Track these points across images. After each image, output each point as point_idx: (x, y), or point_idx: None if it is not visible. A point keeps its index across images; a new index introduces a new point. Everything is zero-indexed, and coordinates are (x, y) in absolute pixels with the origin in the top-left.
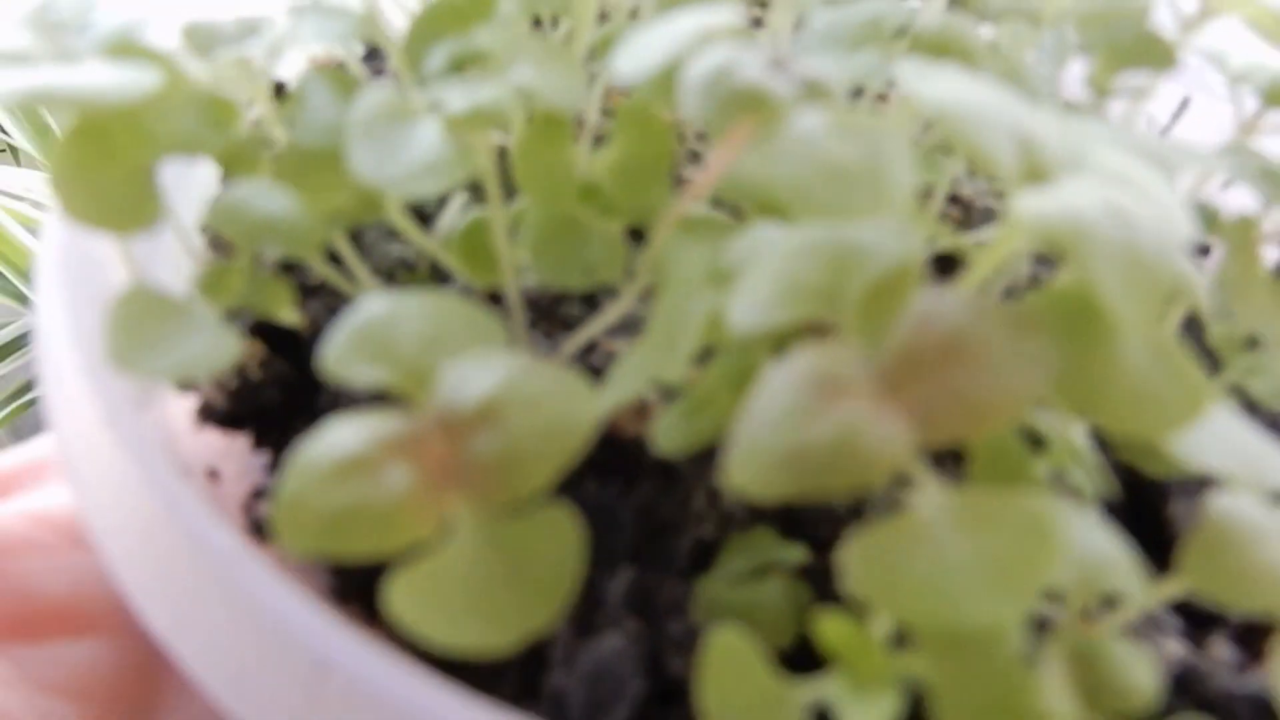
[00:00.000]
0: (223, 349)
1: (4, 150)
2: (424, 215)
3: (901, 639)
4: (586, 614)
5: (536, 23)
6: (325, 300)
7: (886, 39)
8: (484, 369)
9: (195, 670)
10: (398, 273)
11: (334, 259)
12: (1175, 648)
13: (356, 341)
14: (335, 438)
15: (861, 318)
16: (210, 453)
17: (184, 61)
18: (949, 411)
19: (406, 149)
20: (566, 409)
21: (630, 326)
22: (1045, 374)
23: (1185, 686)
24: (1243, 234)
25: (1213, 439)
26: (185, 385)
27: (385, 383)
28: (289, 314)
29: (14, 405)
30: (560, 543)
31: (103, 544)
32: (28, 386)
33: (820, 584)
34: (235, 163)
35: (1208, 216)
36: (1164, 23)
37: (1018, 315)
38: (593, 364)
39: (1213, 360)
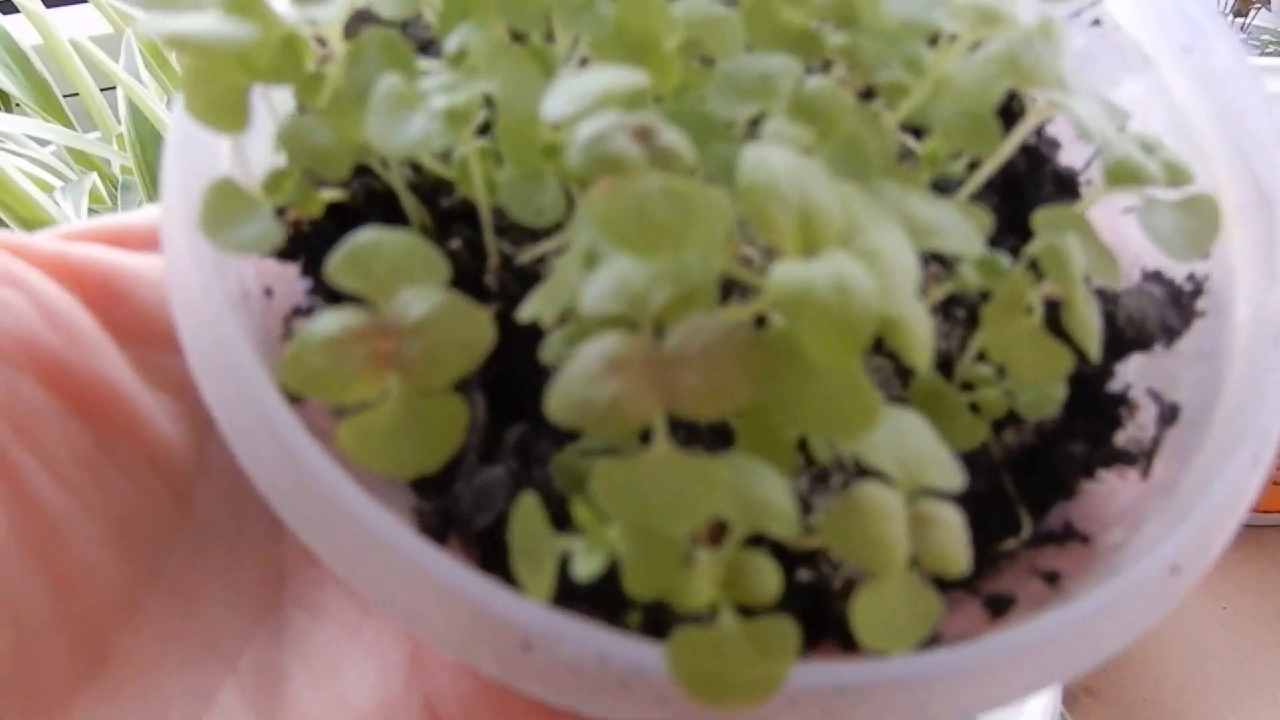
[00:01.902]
0: (270, 236)
1: None
2: None
3: None
4: (490, 449)
5: None
6: (364, 181)
7: (774, 95)
8: (422, 298)
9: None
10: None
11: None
12: None
13: (347, 259)
14: (323, 323)
15: (655, 321)
16: (269, 276)
17: (281, 7)
18: (690, 395)
19: (403, 128)
20: (470, 335)
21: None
22: (753, 385)
23: None
24: (1014, 284)
25: (888, 444)
26: None
27: (361, 291)
28: (318, 209)
29: None
30: (452, 418)
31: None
32: None
33: None
34: (306, 93)
35: (992, 270)
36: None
37: (753, 340)
38: (541, 271)
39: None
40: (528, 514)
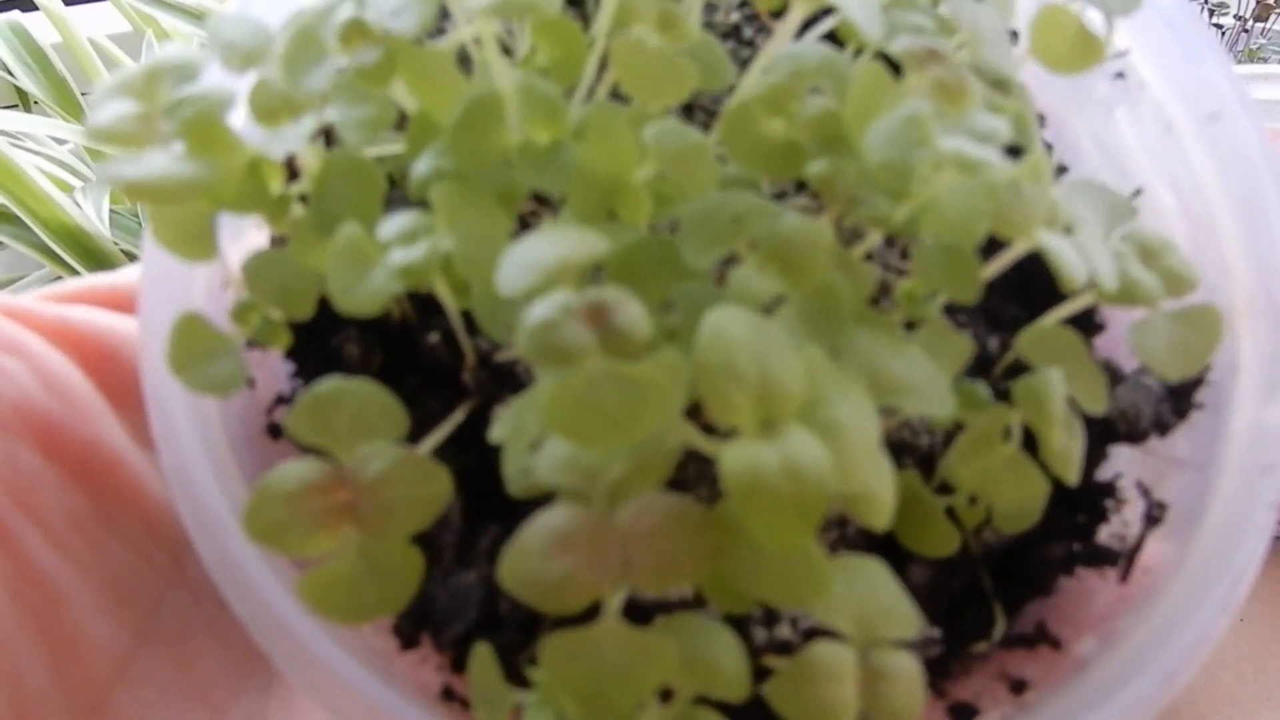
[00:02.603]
0: (238, 377)
1: (15, 105)
2: None
3: None
4: (465, 552)
5: None
6: None
7: (743, 238)
8: (379, 454)
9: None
10: None
11: None
12: None
13: (307, 413)
14: (283, 473)
15: (607, 497)
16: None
17: (246, 128)
18: (642, 570)
19: (361, 285)
20: (426, 492)
21: None
22: (706, 561)
23: None
24: (992, 418)
25: (845, 599)
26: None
27: (320, 446)
28: (284, 343)
29: None
30: (409, 568)
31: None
32: None
33: None
34: (272, 218)
35: (968, 401)
36: None
37: (704, 518)
38: (517, 371)
39: None
40: (483, 665)
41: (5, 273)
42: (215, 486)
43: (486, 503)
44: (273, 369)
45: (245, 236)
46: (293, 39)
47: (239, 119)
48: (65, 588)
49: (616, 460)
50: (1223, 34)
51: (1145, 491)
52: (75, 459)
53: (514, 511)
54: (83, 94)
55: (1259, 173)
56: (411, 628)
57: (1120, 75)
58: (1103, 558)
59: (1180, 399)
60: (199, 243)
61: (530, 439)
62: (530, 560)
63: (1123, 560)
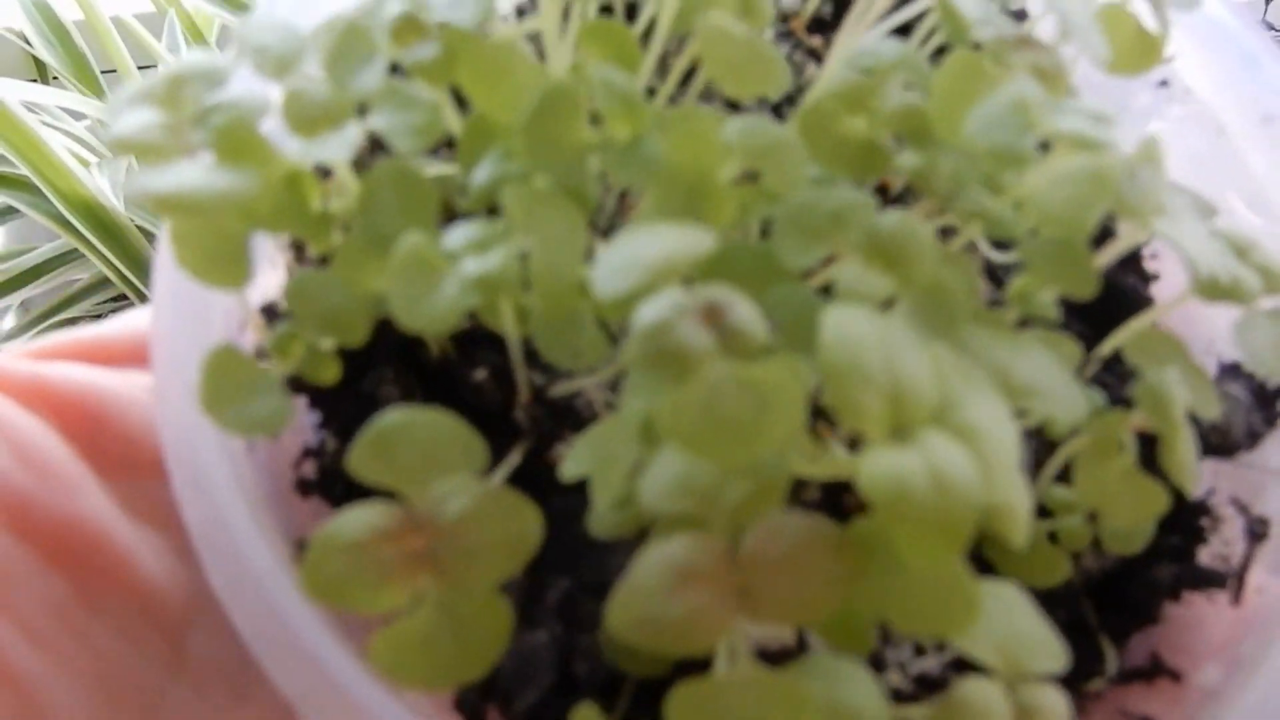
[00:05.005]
0: (283, 413)
1: (34, 80)
2: None
3: None
4: (530, 608)
5: None
6: None
7: (847, 235)
8: (459, 493)
9: None
10: None
11: None
12: None
13: (371, 448)
14: (348, 520)
15: (728, 522)
16: None
17: (281, 139)
18: (774, 606)
19: (430, 299)
20: (516, 532)
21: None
22: (843, 589)
23: None
24: (1107, 426)
25: (987, 630)
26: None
27: (388, 485)
28: (333, 376)
29: (47, 324)
30: (495, 623)
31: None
32: (61, 305)
33: None
34: (313, 238)
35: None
36: None
37: (839, 540)
38: (576, 405)
39: None
40: None
41: (18, 243)
42: (259, 541)
43: (545, 554)
44: (297, 420)
45: (261, 275)
46: (338, 37)
47: (271, 130)
48: (46, 689)
49: (735, 480)
50: None
51: (1242, 508)
52: (53, 539)
53: (580, 561)
54: (103, 71)
55: None
56: (476, 700)
57: (1164, 83)
58: (1209, 580)
59: (1268, 407)
60: (230, 266)
61: (624, 468)
62: (648, 600)
63: (1232, 581)
